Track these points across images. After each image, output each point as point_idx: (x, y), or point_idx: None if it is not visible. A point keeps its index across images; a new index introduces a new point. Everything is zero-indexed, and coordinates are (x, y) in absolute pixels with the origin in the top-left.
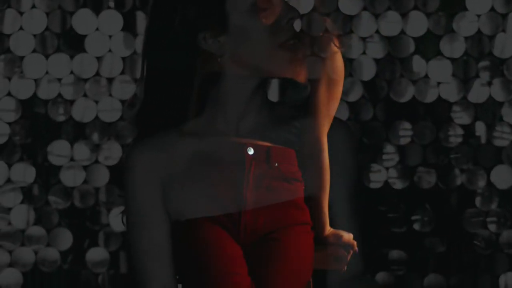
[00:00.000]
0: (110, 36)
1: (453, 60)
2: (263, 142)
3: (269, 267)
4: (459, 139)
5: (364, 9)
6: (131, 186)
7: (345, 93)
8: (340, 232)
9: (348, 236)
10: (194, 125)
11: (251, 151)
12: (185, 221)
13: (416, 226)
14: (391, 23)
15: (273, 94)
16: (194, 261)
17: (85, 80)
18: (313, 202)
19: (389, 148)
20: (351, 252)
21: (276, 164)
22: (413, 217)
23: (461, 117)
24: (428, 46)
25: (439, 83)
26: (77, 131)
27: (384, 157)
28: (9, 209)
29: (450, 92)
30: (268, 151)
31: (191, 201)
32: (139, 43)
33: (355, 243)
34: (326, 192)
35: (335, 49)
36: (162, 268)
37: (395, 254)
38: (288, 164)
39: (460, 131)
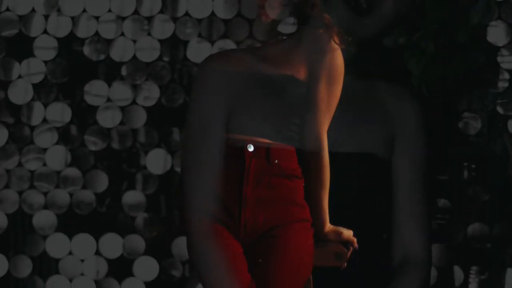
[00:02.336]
0: None
1: (500, 3)
2: (263, 139)
3: (269, 263)
4: (506, 84)
5: None
6: (200, 94)
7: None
8: (340, 229)
9: (348, 233)
10: (272, 51)
11: (251, 148)
12: (185, 218)
13: (464, 174)
14: None
15: None
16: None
17: (124, 19)
18: (313, 199)
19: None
20: (351, 248)
21: (276, 161)
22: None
23: (509, 61)
24: None
25: (486, 26)
26: (114, 71)
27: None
28: (45, 149)
29: (498, 36)
30: (268, 148)
31: (255, 126)
32: None
33: (355, 240)
34: (326, 189)
35: (335, 46)
36: (210, 185)
37: (439, 202)
38: (288, 161)
39: (507, 76)
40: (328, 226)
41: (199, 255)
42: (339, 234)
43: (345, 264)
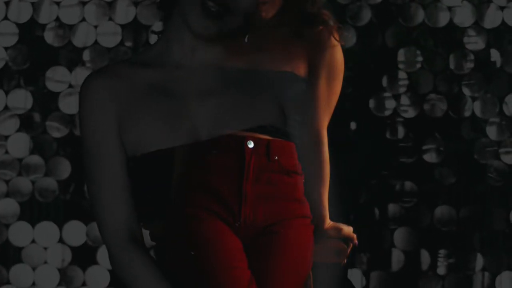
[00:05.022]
0: None
1: None
2: (263, 136)
3: (269, 260)
4: (471, 66)
5: None
6: (87, 113)
7: (353, 17)
8: (340, 225)
9: (348, 229)
10: (147, 55)
11: (251, 145)
12: (185, 215)
13: (427, 157)
14: None
15: None
16: (195, 255)
17: (84, 4)
18: (312, 195)
19: (400, 75)
20: (351, 245)
21: (276, 158)
22: (424, 147)
23: (475, 42)
24: None
25: (450, 7)
26: (76, 57)
27: (394, 83)
28: (6, 137)
29: (463, 17)
30: (268, 145)
31: (146, 133)
32: None
33: (355, 236)
34: (326, 185)
35: (335, 42)
36: (118, 203)
37: (405, 185)
38: (288, 157)
39: (472, 57)
40: (328, 223)
41: (123, 270)
42: (339, 230)
43: (345, 260)
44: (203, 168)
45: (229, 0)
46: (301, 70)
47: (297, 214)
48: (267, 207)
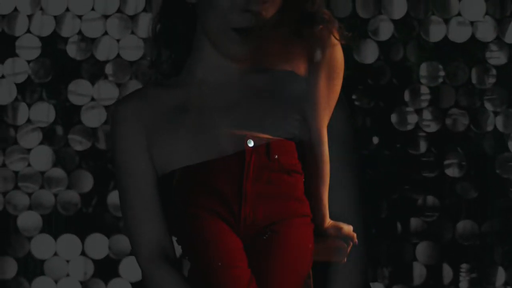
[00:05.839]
0: None
1: None
2: (263, 135)
3: (269, 259)
4: (493, 80)
5: None
6: (118, 136)
7: (374, 32)
8: (340, 224)
9: (348, 228)
10: (176, 78)
11: (251, 143)
12: (186, 214)
13: (449, 171)
14: None
15: None
16: (195, 254)
17: (107, 17)
18: (313, 194)
19: (423, 89)
20: (351, 244)
21: (276, 157)
22: (446, 162)
23: (498, 57)
24: None
25: (472, 22)
26: (98, 70)
27: (416, 98)
28: (29, 150)
29: (485, 32)
30: (268, 144)
31: (174, 152)
32: None
33: (355, 235)
34: (326, 184)
35: (335, 41)
36: (150, 220)
37: (427, 199)
38: (288, 156)
39: (494, 72)
40: (328, 221)
41: (153, 285)
42: (339, 229)
43: (345, 259)
44: (204, 169)
45: (260, 19)
46: (301, 69)
47: (297, 213)
48: (267, 206)
